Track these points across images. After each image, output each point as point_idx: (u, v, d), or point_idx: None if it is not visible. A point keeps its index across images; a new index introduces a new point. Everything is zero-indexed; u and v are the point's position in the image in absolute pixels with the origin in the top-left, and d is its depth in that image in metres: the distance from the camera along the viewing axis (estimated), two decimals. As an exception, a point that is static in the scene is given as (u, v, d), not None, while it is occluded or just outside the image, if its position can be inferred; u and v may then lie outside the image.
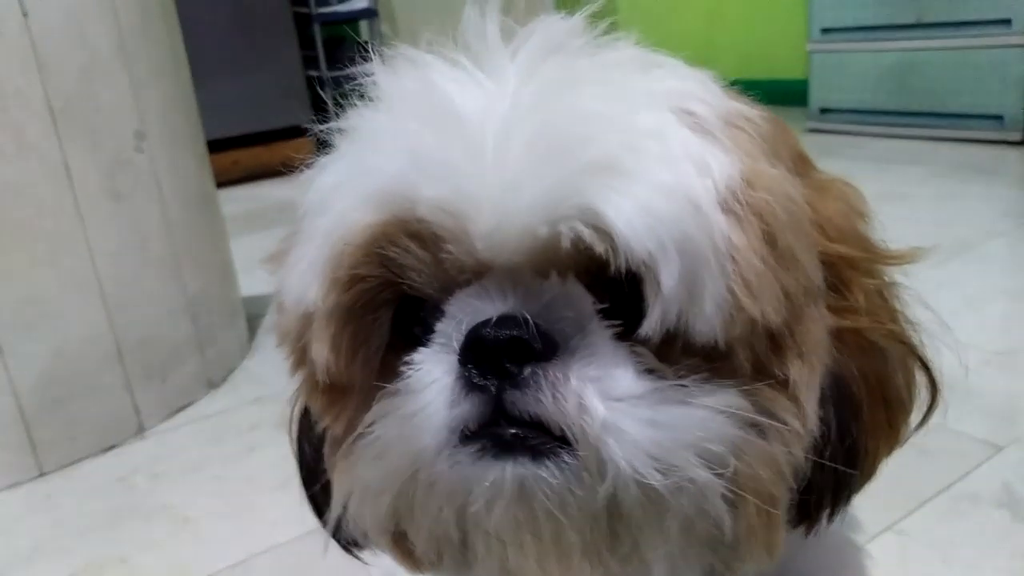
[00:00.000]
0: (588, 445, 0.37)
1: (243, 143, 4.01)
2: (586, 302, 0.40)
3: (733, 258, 0.38)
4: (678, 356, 0.40)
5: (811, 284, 0.41)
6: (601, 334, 0.40)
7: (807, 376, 0.41)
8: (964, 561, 1.08)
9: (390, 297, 0.44)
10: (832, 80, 3.56)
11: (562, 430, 0.37)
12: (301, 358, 0.47)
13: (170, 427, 1.67)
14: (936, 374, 0.48)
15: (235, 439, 1.59)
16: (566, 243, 0.38)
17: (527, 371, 0.38)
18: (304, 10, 4.23)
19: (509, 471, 0.38)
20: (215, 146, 2.24)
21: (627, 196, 0.37)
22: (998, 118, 3.11)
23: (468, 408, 0.39)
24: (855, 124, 3.49)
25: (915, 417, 0.49)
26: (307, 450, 0.53)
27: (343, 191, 0.42)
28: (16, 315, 1.46)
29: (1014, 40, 2.99)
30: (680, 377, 0.39)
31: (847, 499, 0.46)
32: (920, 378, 0.48)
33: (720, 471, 0.38)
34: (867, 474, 0.46)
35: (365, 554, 0.54)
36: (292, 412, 0.54)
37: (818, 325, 0.42)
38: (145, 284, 1.66)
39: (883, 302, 0.46)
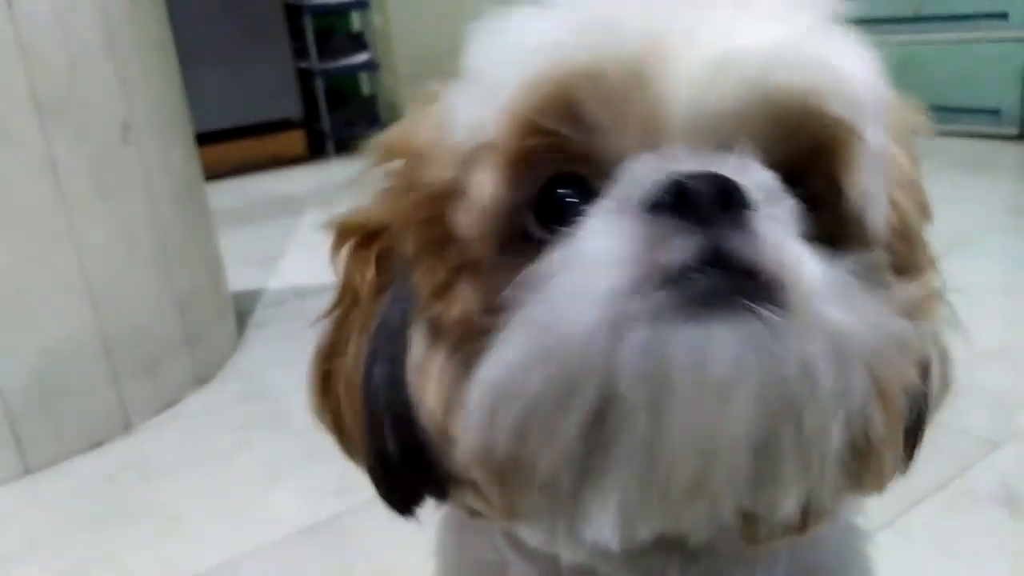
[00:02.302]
0: (800, 297, 0.34)
1: (232, 136, 3.99)
2: (769, 177, 0.38)
3: (892, 160, 0.41)
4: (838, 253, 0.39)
5: (927, 212, 0.44)
6: (787, 209, 0.38)
7: (925, 297, 0.43)
8: (962, 558, 1.08)
9: (544, 162, 0.40)
10: (827, 73, 3.55)
11: (773, 281, 0.34)
12: (429, 220, 0.42)
13: (158, 424, 1.66)
14: (949, 370, 0.48)
15: (224, 436, 1.58)
16: (780, 91, 0.37)
17: (736, 217, 0.35)
18: (294, 0, 4.20)
19: (726, 317, 0.34)
20: (204, 139, 2.23)
21: (847, 55, 0.39)
22: (995, 112, 3.11)
23: (669, 251, 0.35)
24: (850, 118, 3.48)
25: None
26: (380, 374, 0.45)
27: (540, 26, 0.39)
28: (1, 311, 1.45)
29: (1011, 34, 2.99)
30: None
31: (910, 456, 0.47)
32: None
33: (879, 370, 0.37)
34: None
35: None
36: (347, 338, 0.48)
37: (928, 253, 0.45)
38: (133, 279, 1.64)
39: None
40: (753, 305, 0.34)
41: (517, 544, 0.48)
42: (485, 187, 0.39)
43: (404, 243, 0.43)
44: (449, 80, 0.43)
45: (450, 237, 0.41)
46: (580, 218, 0.38)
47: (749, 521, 0.40)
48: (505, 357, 0.37)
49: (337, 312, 0.49)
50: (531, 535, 0.43)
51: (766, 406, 0.34)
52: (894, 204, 0.41)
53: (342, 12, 4.57)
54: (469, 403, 0.39)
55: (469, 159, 0.40)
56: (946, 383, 0.47)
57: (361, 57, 4.42)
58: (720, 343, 0.33)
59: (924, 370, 0.44)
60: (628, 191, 0.37)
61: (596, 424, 0.36)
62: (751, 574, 0.47)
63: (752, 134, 0.38)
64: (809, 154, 0.39)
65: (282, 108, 4.22)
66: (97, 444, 1.58)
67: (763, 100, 0.38)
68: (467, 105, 0.40)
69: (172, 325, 1.73)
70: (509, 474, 0.39)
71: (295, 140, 4.29)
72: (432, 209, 0.41)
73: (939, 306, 0.46)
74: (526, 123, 0.38)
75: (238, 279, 2.14)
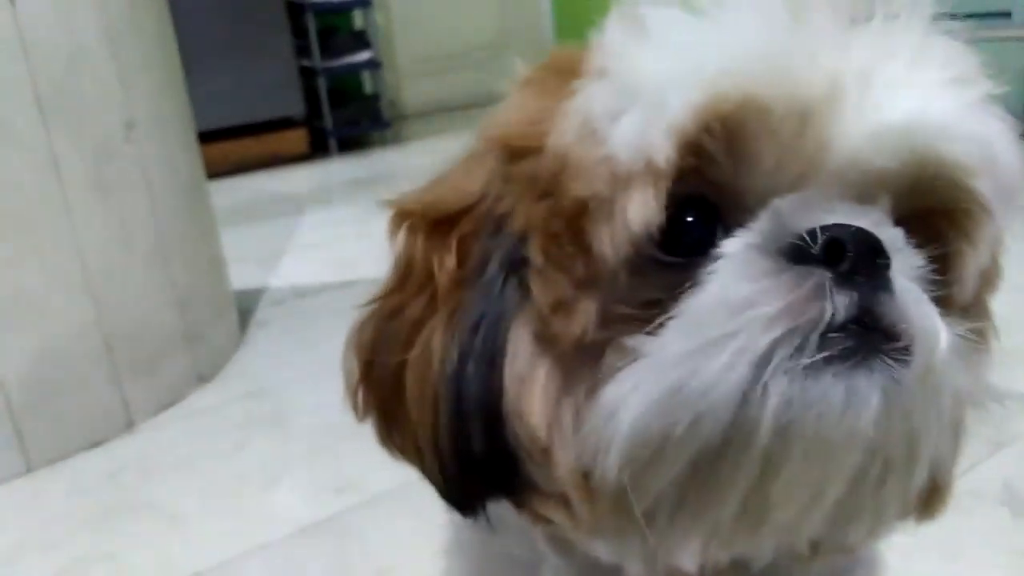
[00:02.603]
0: (934, 361, 0.36)
1: (234, 134, 3.99)
2: (899, 234, 0.39)
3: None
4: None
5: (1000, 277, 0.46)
6: (918, 269, 0.39)
7: (985, 343, 0.44)
8: (965, 558, 1.08)
9: (680, 185, 0.39)
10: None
11: (911, 343, 0.36)
12: (563, 232, 0.40)
13: (159, 422, 1.66)
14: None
15: (225, 435, 1.59)
16: (938, 160, 0.38)
17: (879, 275, 0.36)
18: (297, -1, 4.21)
19: (869, 377, 0.35)
20: (205, 137, 2.23)
21: (1004, 139, 0.40)
22: (996, 111, 3.12)
23: (824, 306, 0.35)
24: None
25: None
26: (473, 375, 0.43)
27: (707, 45, 0.38)
28: (2, 309, 1.45)
29: (1015, 33, 2.99)
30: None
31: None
32: None
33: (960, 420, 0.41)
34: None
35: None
36: (436, 339, 0.44)
37: (992, 317, 0.47)
38: (134, 277, 1.65)
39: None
40: (894, 366, 0.36)
41: (558, 543, 0.47)
42: (643, 210, 0.37)
43: (526, 247, 0.41)
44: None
45: (581, 251, 0.39)
46: (712, 249, 0.38)
47: (814, 546, 0.42)
48: (637, 393, 0.37)
49: (393, 300, 0.46)
50: (604, 550, 0.43)
51: (881, 459, 0.37)
52: (983, 275, 0.43)
53: (344, 11, 4.57)
54: (584, 427, 0.38)
55: (627, 178, 0.37)
56: None
57: (363, 55, 4.42)
58: (861, 403, 0.35)
59: None
60: (771, 232, 0.37)
61: (714, 463, 0.37)
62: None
63: (890, 190, 0.39)
64: (933, 215, 0.41)
65: (284, 106, 4.21)
66: (98, 442, 1.58)
67: (917, 164, 0.38)
68: (627, 119, 0.38)
69: (173, 323, 1.73)
70: (608, 498, 0.39)
71: (297, 138, 4.29)
72: (570, 222, 0.39)
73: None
74: (689, 147, 0.37)
75: (240, 277, 2.15)
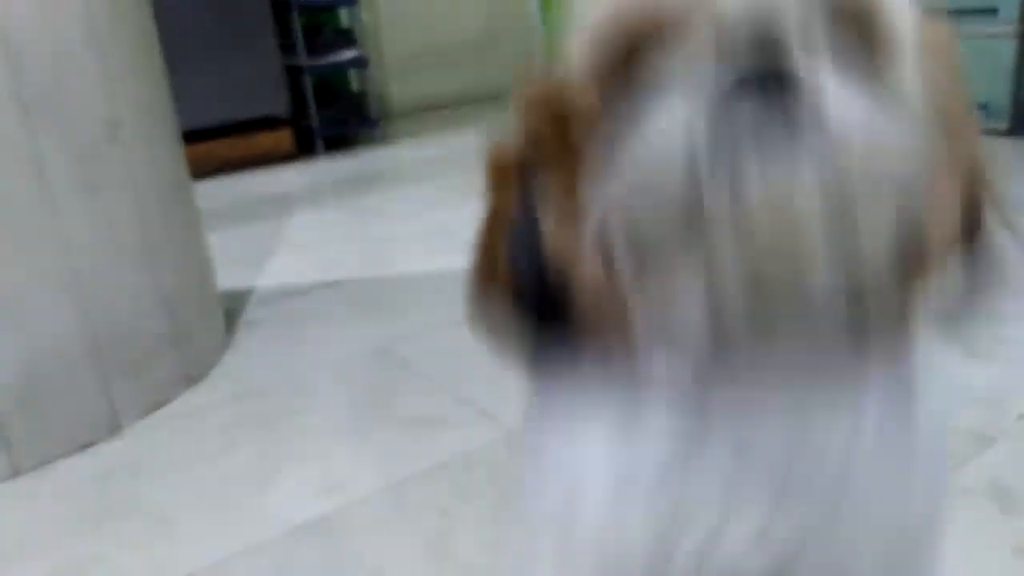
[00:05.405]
0: (826, 103, 0.42)
1: (219, 133, 3.97)
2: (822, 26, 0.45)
3: (930, 50, 0.47)
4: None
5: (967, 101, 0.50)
6: (828, 46, 0.44)
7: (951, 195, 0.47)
8: (954, 554, 1.08)
9: (640, 80, 0.47)
10: (816, 69, 3.57)
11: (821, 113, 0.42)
12: (549, 103, 0.50)
13: (147, 424, 1.65)
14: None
15: (214, 436, 1.58)
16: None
17: (781, 54, 0.43)
18: (282, -3, 4.19)
19: (767, 126, 0.42)
20: (190, 137, 2.22)
21: None
22: (984, 107, 3.14)
23: (716, 83, 0.43)
24: (839, 113, 3.50)
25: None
26: (522, 248, 0.54)
27: None
28: (-14, 311, 1.44)
29: (1000, 29, 3.01)
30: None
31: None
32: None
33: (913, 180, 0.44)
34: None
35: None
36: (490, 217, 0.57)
37: (973, 127, 0.51)
38: (120, 278, 1.64)
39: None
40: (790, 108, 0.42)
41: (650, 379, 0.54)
42: (582, 66, 0.48)
43: (538, 157, 0.52)
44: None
45: (574, 146, 0.49)
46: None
47: (849, 302, 0.45)
48: (611, 182, 0.45)
49: (485, 239, 0.57)
50: (645, 359, 0.49)
51: (817, 182, 0.41)
52: (933, 81, 0.47)
53: (330, 8, 4.55)
54: (589, 224, 0.47)
55: (577, 66, 0.48)
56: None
57: (350, 53, 4.40)
58: (763, 143, 0.42)
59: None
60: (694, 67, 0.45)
61: (689, 205, 0.43)
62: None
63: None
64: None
65: (270, 105, 4.20)
66: (86, 445, 1.57)
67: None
68: (573, 39, 0.49)
69: (160, 324, 1.72)
70: (618, 284, 0.47)
71: (283, 138, 4.27)
72: (559, 124, 0.50)
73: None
74: (617, 41, 0.46)
75: (227, 278, 2.14)
